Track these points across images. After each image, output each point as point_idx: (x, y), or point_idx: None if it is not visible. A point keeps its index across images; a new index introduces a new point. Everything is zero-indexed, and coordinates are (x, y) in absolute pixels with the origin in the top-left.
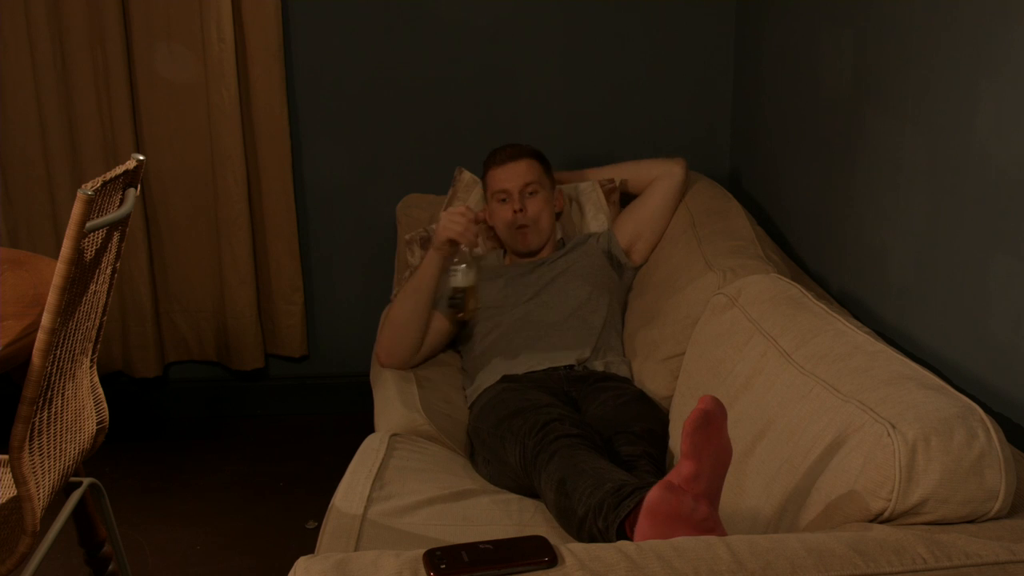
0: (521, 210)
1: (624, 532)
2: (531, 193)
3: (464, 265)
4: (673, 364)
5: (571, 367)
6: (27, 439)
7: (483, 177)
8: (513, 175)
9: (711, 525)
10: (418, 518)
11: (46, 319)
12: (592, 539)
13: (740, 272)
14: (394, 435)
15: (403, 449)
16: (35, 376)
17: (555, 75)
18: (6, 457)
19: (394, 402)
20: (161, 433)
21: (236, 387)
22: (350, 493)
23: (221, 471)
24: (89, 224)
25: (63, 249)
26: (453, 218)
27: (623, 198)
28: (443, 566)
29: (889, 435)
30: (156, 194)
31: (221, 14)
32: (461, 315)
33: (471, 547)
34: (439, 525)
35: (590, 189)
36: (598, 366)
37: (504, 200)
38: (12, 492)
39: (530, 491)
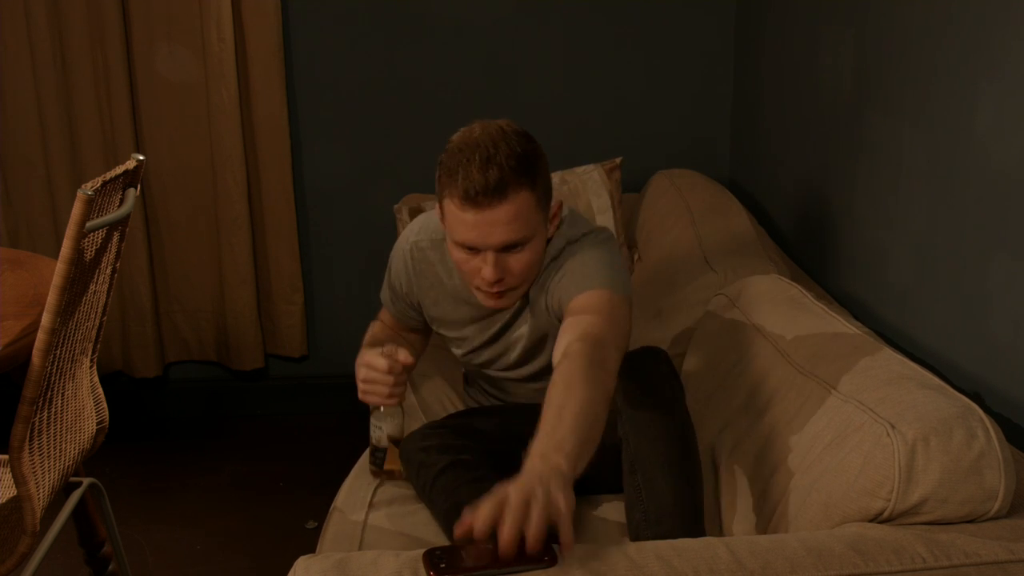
0: (499, 280)
1: None
2: (518, 246)
3: (386, 418)
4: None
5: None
6: (27, 439)
7: (438, 191)
8: (491, 230)
9: None
10: (420, 519)
11: (46, 319)
12: None
13: (741, 272)
14: None
15: None
16: (35, 376)
17: (555, 76)
18: (6, 457)
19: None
20: (161, 433)
21: (236, 387)
22: (352, 496)
23: (221, 471)
24: (89, 224)
25: (63, 249)
26: (371, 386)
27: None
28: (443, 565)
29: (888, 435)
30: (156, 194)
31: (221, 14)
32: (379, 474)
33: (471, 546)
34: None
35: (591, 172)
36: None
37: (472, 251)
38: (12, 492)
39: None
